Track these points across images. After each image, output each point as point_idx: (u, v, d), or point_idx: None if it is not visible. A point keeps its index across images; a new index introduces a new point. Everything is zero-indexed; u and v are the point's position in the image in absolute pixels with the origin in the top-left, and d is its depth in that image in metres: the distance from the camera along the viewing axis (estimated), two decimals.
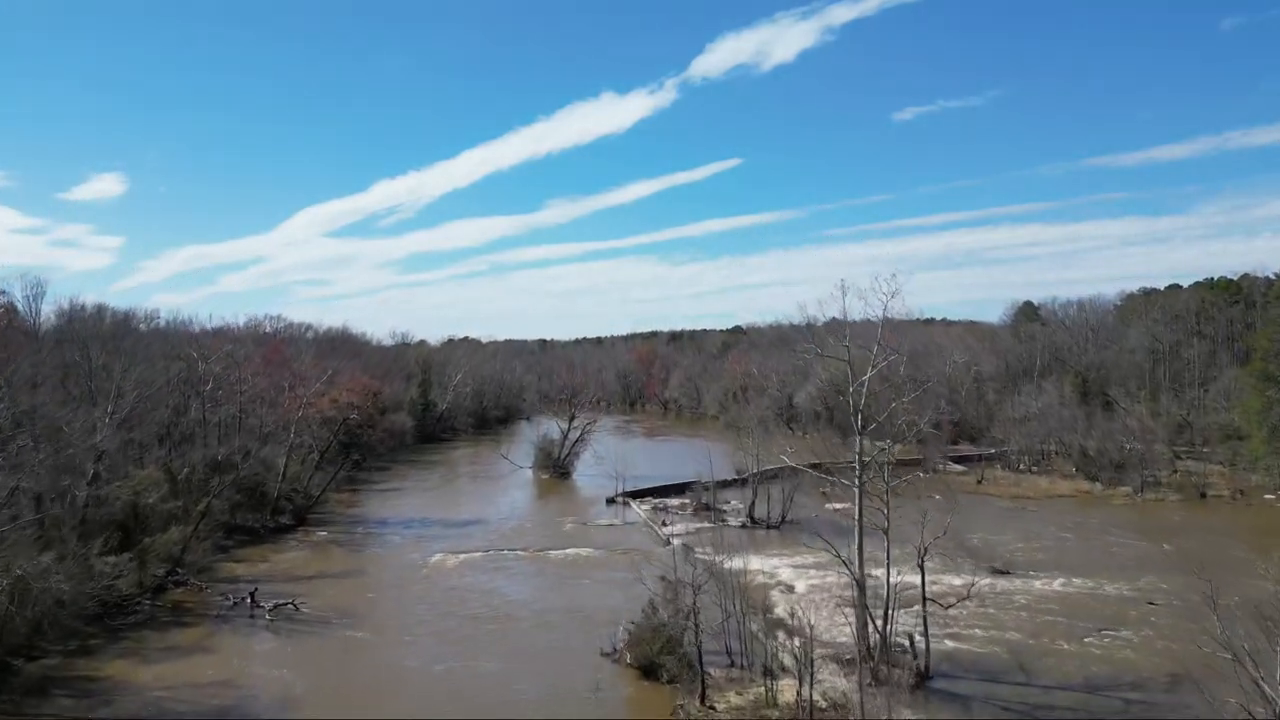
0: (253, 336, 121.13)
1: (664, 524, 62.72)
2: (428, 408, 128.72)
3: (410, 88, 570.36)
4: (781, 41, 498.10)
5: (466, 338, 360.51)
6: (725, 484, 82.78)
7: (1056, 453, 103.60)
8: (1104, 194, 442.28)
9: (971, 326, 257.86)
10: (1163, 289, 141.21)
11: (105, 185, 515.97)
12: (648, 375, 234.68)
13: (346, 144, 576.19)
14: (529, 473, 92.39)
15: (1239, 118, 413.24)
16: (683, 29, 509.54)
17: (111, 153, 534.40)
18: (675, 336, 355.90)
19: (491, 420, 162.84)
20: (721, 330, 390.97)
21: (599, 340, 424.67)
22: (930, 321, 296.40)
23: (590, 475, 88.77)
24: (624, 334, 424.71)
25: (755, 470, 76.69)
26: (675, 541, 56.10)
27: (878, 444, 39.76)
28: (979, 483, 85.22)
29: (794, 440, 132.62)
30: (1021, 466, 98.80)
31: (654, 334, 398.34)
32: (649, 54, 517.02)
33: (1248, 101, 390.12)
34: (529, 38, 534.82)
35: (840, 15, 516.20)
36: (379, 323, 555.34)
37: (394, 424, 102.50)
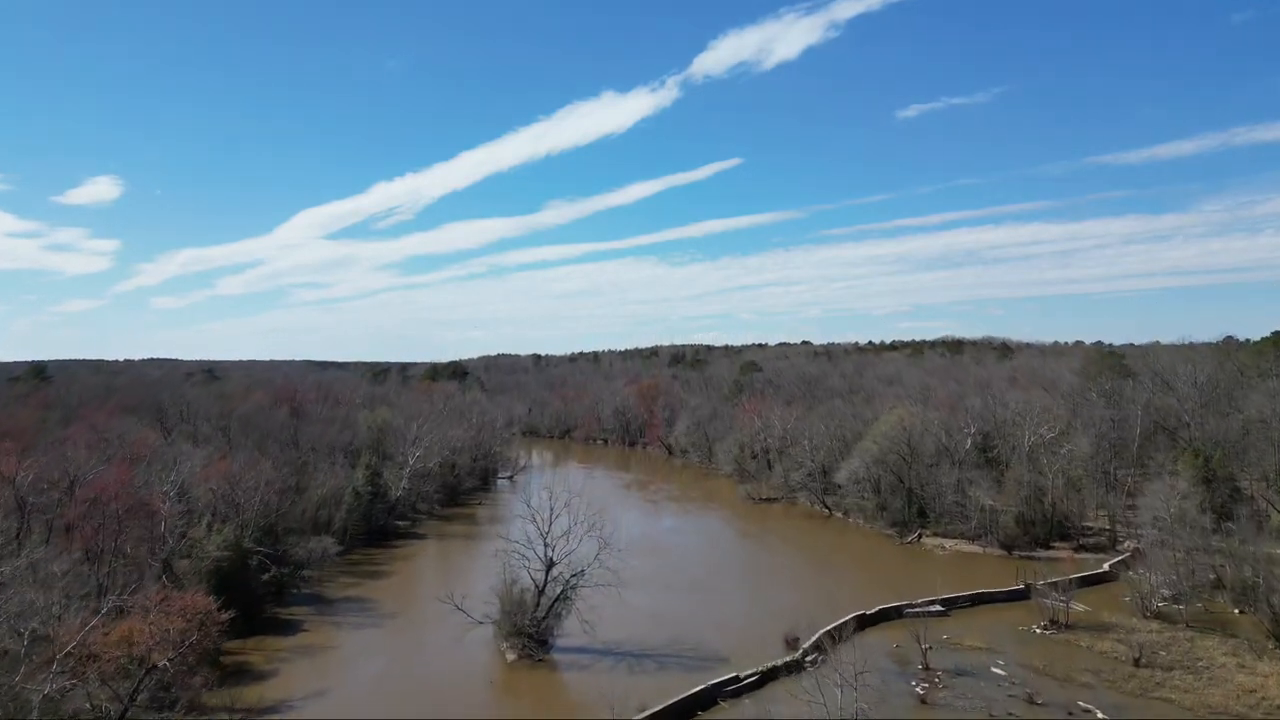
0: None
1: None
2: (377, 496, 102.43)
3: (409, 89, 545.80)
4: (785, 38, 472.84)
5: (456, 361, 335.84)
6: (772, 675, 57.52)
7: (1201, 580, 77.55)
8: (1106, 192, 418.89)
9: (1007, 355, 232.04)
10: None
11: (101, 188, 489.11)
12: (650, 413, 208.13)
13: (345, 145, 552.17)
14: (489, 631, 65.32)
15: (1245, 114, 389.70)
16: (686, 26, 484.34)
17: (107, 155, 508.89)
18: (677, 358, 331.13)
19: (465, 490, 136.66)
20: (726, 347, 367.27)
21: (596, 357, 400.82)
22: (959, 345, 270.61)
23: (576, 654, 62.88)
24: (621, 349, 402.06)
25: (825, 644, 51.38)
26: None
27: None
28: (1138, 664, 59.05)
29: (835, 529, 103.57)
30: (1161, 603, 73.11)
31: (654, 352, 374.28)
32: (651, 52, 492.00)
33: (1254, 97, 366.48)
34: (529, 37, 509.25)
35: (845, 11, 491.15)
36: (376, 326, 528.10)
37: (313, 550, 76.32)
